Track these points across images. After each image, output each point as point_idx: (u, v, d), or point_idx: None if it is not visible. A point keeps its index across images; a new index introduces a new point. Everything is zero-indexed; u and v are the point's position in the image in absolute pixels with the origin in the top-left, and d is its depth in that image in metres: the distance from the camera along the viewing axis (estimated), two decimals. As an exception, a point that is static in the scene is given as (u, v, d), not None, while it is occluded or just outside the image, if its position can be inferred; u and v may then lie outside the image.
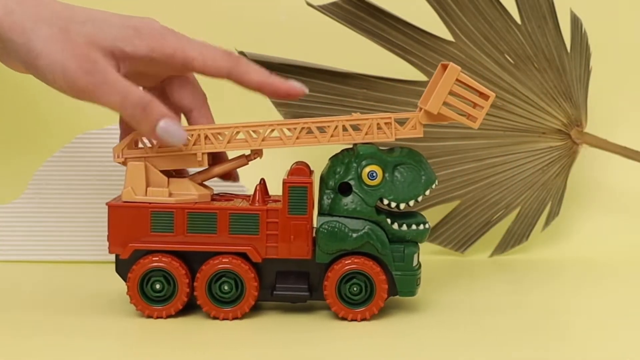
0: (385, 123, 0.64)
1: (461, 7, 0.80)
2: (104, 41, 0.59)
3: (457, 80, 0.62)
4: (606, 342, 0.61)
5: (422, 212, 0.83)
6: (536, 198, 0.84)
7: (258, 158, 0.66)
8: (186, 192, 0.64)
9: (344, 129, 0.64)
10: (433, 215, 0.84)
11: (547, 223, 0.86)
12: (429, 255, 0.85)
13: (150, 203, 0.63)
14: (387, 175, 0.64)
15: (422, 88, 0.80)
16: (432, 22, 0.79)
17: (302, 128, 0.64)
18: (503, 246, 0.86)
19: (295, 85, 0.63)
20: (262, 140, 0.64)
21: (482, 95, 0.64)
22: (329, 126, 0.64)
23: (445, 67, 0.63)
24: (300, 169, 0.64)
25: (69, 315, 0.65)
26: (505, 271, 0.82)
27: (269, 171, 0.70)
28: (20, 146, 0.89)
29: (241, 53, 0.78)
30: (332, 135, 0.64)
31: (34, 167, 0.81)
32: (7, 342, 0.59)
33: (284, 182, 0.63)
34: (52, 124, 0.89)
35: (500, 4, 0.80)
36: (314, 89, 0.79)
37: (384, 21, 0.78)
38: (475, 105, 0.64)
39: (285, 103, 0.80)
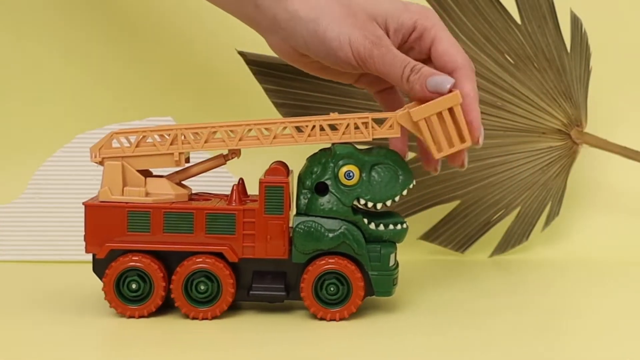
0: (363, 123, 0.64)
1: (461, 7, 0.80)
2: (379, 16, 0.65)
3: (451, 108, 0.62)
4: (606, 342, 0.61)
5: (423, 212, 0.83)
6: (536, 198, 0.84)
7: (236, 158, 0.66)
8: (163, 191, 0.64)
9: (321, 128, 0.64)
10: (433, 215, 0.84)
11: (547, 223, 0.86)
12: (429, 255, 0.85)
13: (126, 203, 0.64)
14: (364, 175, 0.64)
15: (422, 88, 0.80)
16: (432, 22, 0.79)
17: (280, 128, 0.64)
18: (503, 246, 0.86)
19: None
20: (240, 140, 0.64)
21: (460, 135, 0.63)
22: (306, 126, 0.64)
23: (451, 90, 0.62)
24: (277, 168, 0.64)
25: (69, 315, 0.65)
26: (505, 271, 0.82)
27: (253, 170, 0.70)
28: (20, 146, 0.89)
29: (240, 53, 0.78)
30: (309, 135, 0.64)
31: (34, 167, 0.81)
32: (7, 342, 0.59)
33: (261, 182, 0.63)
34: (52, 124, 0.89)
35: (500, 4, 0.80)
36: (314, 89, 0.79)
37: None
38: (449, 139, 0.63)
39: (286, 103, 0.80)
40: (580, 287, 0.77)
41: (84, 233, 0.64)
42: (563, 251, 0.88)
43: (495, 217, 0.84)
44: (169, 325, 0.63)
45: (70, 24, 0.89)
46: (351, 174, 0.64)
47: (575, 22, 0.82)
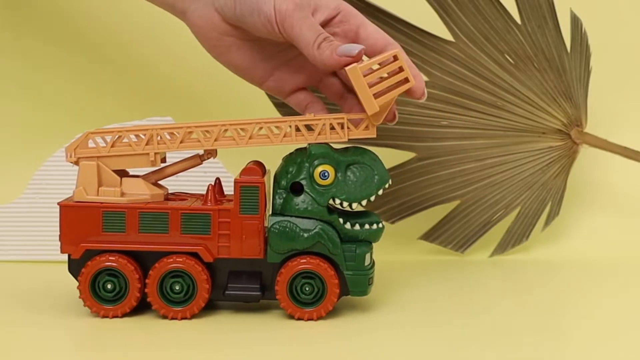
0: (339, 123, 0.64)
1: (461, 7, 0.80)
2: None
3: (363, 74, 0.62)
4: (606, 342, 0.61)
5: (422, 212, 0.83)
6: (536, 198, 0.84)
7: (212, 158, 0.66)
8: (139, 191, 0.64)
9: (297, 129, 0.64)
10: (433, 215, 0.84)
11: (547, 223, 0.86)
12: (429, 255, 0.85)
13: (101, 203, 0.64)
14: (339, 174, 0.64)
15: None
16: (432, 22, 0.79)
17: (256, 128, 0.64)
18: (503, 246, 0.86)
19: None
20: (215, 140, 0.64)
21: (393, 61, 0.63)
22: (282, 126, 0.64)
23: (347, 73, 0.62)
24: (253, 168, 0.64)
25: (69, 315, 0.65)
26: (505, 271, 0.82)
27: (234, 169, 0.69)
28: (20, 146, 0.89)
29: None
30: (285, 136, 0.64)
31: (34, 167, 0.81)
32: (7, 342, 0.59)
33: (236, 182, 0.64)
34: (52, 124, 0.89)
35: (500, 4, 0.80)
36: (313, 89, 0.79)
37: (384, 21, 0.78)
38: (396, 73, 0.63)
39: (285, 103, 0.79)
40: (580, 287, 0.77)
41: (58, 233, 0.64)
42: (563, 251, 0.88)
43: (495, 217, 0.84)
44: (144, 325, 0.63)
45: (70, 24, 0.89)
46: (326, 174, 0.64)
47: (575, 22, 0.82)
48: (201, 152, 0.66)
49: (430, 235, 0.85)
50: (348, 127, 0.64)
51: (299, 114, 0.68)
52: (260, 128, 0.64)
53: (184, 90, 0.89)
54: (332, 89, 0.70)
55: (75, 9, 0.89)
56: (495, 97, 0.81)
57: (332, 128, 0.64)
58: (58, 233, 0.64)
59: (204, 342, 0.60)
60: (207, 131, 0.64)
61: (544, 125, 0.83)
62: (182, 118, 0.80)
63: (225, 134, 0.64)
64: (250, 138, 0.64)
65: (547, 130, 0.83)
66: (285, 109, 0.80)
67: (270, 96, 0.79)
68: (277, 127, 0.64)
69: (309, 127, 0.64)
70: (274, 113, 0.80)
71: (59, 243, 0.64)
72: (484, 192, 0.84)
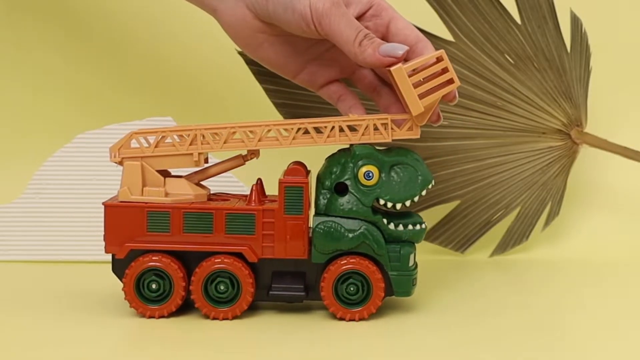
0: (382, 124, 0.64)
1: (461, 7, 0.80)
2: None
3: (408, 74, 0.62)
4: (606, 342, 0.61)
5: (422, 212, 0.83)
6: (536, 198, 0.84)
7: (255, 158, 0.66)
8: (182, 191, 0.64)
9: (341, 129, 0.64)
10: (433, 215, 0.84)
11: (547, 223, 0.86)
12: (429, 255, 0.85)
13: (146, 203, 0.63)
14: (383, 175, 0.64)
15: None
16: (432, 22, 0.79)
17: (299, 128, 0.64)
18: (503, 246, 0.86)
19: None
20: (259, 140, 0.64)
21: (436, 62, 0.63)
22: (325, 127, 0.64)
23: (392, 74, 0.62)
24: (297, 169, 0.64)
25: (68, 314, 0.65)
26: (505, 271, 0.82)
27: (268, 171, 0.70)
28: (20, 146, 0.89)
29: (240, 54, 0.78)
30: (328, 136, 0.64)
31: (34, 167, 0.81)
32: (7, 342, 0.59)
33: (280, 182, 0.63)
34: (52, 124, 0.89)
35: (500, 4, 0.80)
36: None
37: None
38: (440, 73, 0.63)
39: (286, 103, 0.80)
40: (580, 286, 0.77)
41: (103, 233, 0.64)
42: (563, 251, 0.88)
43: (495, 217, 0.84)
44: (189, 325, 0.63)
45: (70, 24, 0.89)
46: (370, 174, 0.64)
47: (575, 22, 0.82)
48: (244, 152, 0.66)
49: (430, 235, 0.85)
50: (392, 128, 0.64)
51: (303, 115, 0.68)
52: (305, 129, 0.64)
53: (184, 90, 0.89)
54: (365, 81, 0.69)
55: (75, 9, 0.89)
56: (495, 97, 0.81)
57: (376, 129, 0.64)
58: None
59: (248, 342, 0.60)
60: (250, 131, 0.64)
61: (544, 125, 0.83)
62: (182, 118, 0.80)
63: (269, 134, 0.64)
64: (294, 138, 0.64)
65: (547, 130, 0.83)
66: (286, 110, 0.80)
67: (270, 96, 0.79)
68: (320, 128, 0.64)
69: (352, 128, 0.64)
70: (274, 113, 0.80)
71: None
72: (484, 192, 0.84)
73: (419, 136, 0.64)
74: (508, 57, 0.81)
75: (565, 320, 0.67)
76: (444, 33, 0.80)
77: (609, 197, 0.91)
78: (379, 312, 0.65)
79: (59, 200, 0.80)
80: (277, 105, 0.80)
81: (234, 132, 0.64)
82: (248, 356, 0.58)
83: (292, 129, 0.64)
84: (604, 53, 0.87)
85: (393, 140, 0.64)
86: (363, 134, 0.64)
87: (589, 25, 0.82)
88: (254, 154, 0.66)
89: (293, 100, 0.79)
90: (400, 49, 0.62)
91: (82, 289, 0.72)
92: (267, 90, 0.79)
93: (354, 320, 0.64)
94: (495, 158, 0.83)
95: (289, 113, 0.80)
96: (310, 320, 0.64)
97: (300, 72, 0.69)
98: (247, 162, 0.66)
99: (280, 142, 0.64)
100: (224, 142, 0.64)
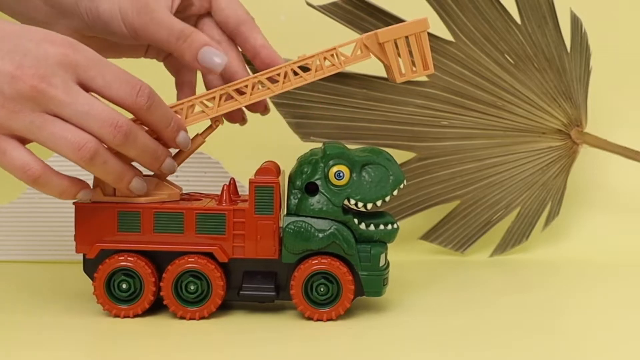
0: (331, 55, 0.65)
1: (461, 7, 0.80)
2: None
3: (419, 34, 0.62)
4: (606, 342, 0.61)
5: (422, 212, 0.83)
6: (536, 198, 0.84)
7: (220, 125, 0.66)
8: (156, 191, 0.64)
9: (295, 73, 0.65)
10: (433, 215, 0.84)
11: (547, 223, 0.86)
12: (429, 255, 0.85)
13: (117, 203, 0.63)
14: (354, 175, 0.64)
15: (422, 88, 0.81)
16: (432, 22, 0.79)
17: (254, 83, 0.64)
18: (503, 246, 0.86)
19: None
20: (218, 106, 0.64)
21: (425, 63, 0.64)
22: (279, 74, 0.64)
23: (422, 20, 0.64)
24: (268, 168, 0.64)
25: (68, 314, 0.65)
26: (505, 271, 0.82)
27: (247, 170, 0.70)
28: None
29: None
30: (284, 83, 0.64)
31: (34, 167, 0.81)
32: (6, 342, 0.59)
33: (250, 182, 0.63)
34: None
35: (500, 4, 0.80)
36: (314, 88, 0.79)
37: (384, 21, 0.78)
38: (412, 65, 0.64)
39: (286, 103, 0.80)
40: (580, 287, 0.77)
41: (74, 233, 0.64)
42: (563, 251, 0.88)
43: (495, 217, 0.84)
44: (159, 325, 0.63)
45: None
46: (341, 174, 0.64)
47: (575, 22, 0.82)
48: (208, 122, 0.66)
49: (430, 235, 0.85)
50: (342, 56, 0.65)
51: (303, 114, 0.68)
52: (260, 82, 0.64)
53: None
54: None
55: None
56: (495, 97, 0.81)
57: (327, 60, 0.65)
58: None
59: (219, 341, 0.60)
60: (208, 100, 0.64)
61: (544, 125, 0.83)
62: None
63: (225, 97, 0.65)
64: (251, 95, 0.64)
65: (547, 130, 0.83)
66: (285, 109, 0.80)
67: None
68: (273, 77, 0.64)
69: (304, 69, 0.65)
70: (276, 113, 0.80)
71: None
72: (484, 192, 0.84)
73: (369, 57, 0.65)
74: (508, 57, 0.81)
75: (566, 321, 0.67)
76: (444, 33, 0.80)
77: (609, 197, 0.91)
78: (369, 311, 0.65)
79: (59, 200, 0.80)
80: (277, 105, 0.80)
81: (193, 106, 0.64)
82: (219, 356, 0.57)
83: (247, 85, 0.64)
84: (604, 53, 0.87)
85: (346, 67, 0.65)
86: (317, 71, 0.65)
87: (589, 25, 0.82)
88: (218, 121, 0.66)
89: (293, 100, 0.79)
90: (217, 57, 0.62)
91: (83, 289, 0.72)
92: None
93: (321, 320, 0.64)
94: (495, 158, 0.83)
95: (289, 113, 0.80)
96: (280, 320, 0.64)
97: (145, 54, 0.70)
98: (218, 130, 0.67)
99: (239, 102, 0.64)
100: (185, 118, 0.64)
